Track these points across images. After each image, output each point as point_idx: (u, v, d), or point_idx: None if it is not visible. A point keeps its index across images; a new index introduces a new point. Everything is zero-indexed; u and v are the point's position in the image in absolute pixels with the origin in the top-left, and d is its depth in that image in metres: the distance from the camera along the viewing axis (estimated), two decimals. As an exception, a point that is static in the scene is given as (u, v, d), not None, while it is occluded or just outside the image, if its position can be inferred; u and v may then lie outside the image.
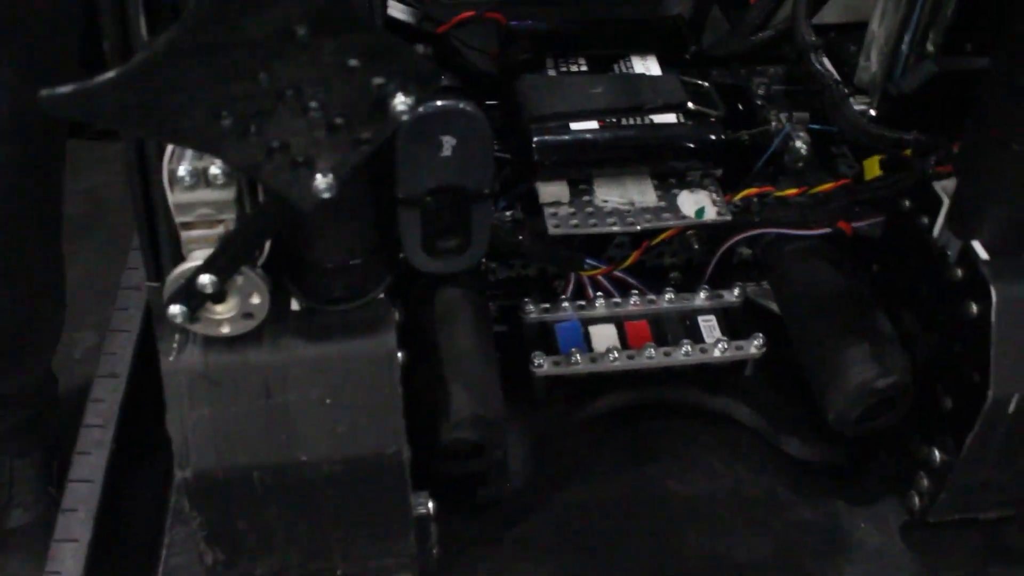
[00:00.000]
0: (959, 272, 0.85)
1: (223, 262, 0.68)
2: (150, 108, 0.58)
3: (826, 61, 1.00)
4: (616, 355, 0.96)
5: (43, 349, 1.83)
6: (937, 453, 0.88)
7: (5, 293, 1.67)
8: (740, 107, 1.07)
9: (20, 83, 1.29)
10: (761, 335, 0.98)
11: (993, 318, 0.81)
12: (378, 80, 0.59)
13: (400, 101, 0.59)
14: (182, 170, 0.67)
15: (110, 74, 0.56)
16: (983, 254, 0.83)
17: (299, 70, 0.58)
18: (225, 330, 0.72)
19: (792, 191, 0.99)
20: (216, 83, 0.57)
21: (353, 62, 0.58)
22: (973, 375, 0.83)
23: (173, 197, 0.67)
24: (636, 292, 1.00)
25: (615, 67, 1.01)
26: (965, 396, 0.85)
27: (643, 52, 1.02)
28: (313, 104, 0.59)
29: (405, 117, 0.59)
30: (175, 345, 0.74)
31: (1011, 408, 0.83)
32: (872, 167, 0.96)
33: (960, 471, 0.88)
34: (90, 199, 2.51)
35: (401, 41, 0.58)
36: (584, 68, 1.00)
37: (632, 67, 1.00)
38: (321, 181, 0.61)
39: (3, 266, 1.60)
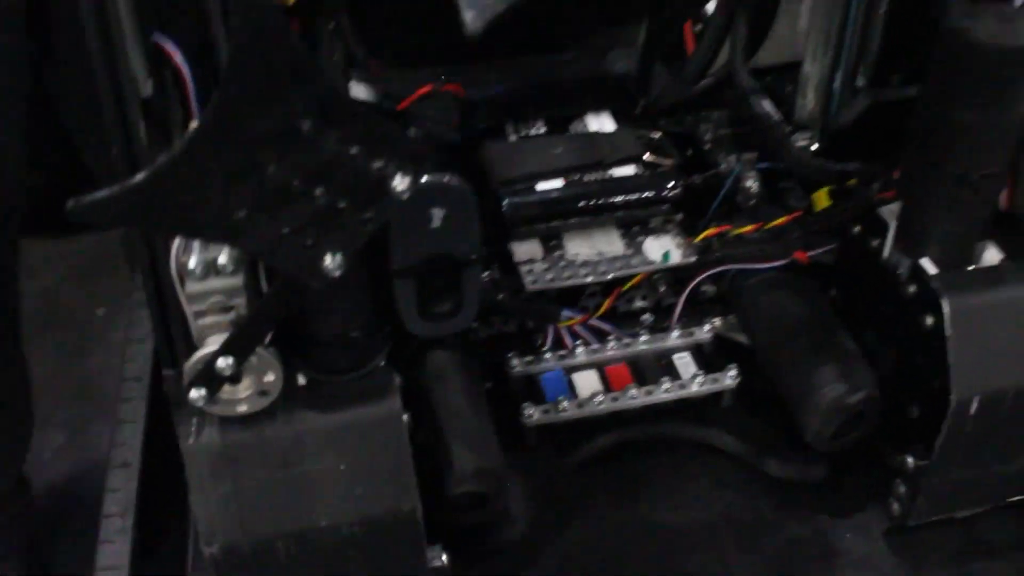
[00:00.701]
0: (911, 288, 0.92)
1: (239, 345, 0.73)
2: (170, 207, 0.63)
3: (766, 102, 1.08)
4: (601, 398, 1.02)
5: (14, 455, 1.84)
6: (910, 460, 0.95)
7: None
8: (690, 152, 1.15)
9: None
10: (735, 366, 1.04)
11: (948, 328, 0.88)
12: (377, 164, 0.64)
13: (399, 180, 0.65)
14: (192, 262, 0.72)
15: (135, 180, 0.61)
16: (932, 269, 0.91)
17: (304, 161, 0.63)
18: (242, 409, 0.77)
19: (748, 228, 1.06)
20: (229, 179, 0.63)
21: (354, 149, 0.64)
22: (935, 383, 0.90)
23: (186, 288, 0.72)
24: (612, 337, 1.07)
25: (572, 127, 1.08)
26: (930, 403, 0.92)
27: (597, 110, 1.09)
28: (319, 191, 0.64)
29: (405, 195, 0.65)
30: (193, 427, 0.78)
31: (973, 410, 0.90)
32: (821, 199, 1.03)
33: (933, 474, 0.94)
34: (43, 298, 2.53)
35: (395, 126, 0.64)
36: (543, 130, 1.07)
37: (588, 126, 1.07)
38: (330, 261, 0.67)
39: None
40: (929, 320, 0.90)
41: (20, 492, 1.91)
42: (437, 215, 0.76)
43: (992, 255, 0.92)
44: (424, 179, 0.75)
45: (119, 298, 2.50)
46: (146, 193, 0.61)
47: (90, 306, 2.59)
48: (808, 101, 1.10)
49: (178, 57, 0.76)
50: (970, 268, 0.92)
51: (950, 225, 0.90)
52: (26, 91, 1.37)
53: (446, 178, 0.76)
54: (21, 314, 1.68)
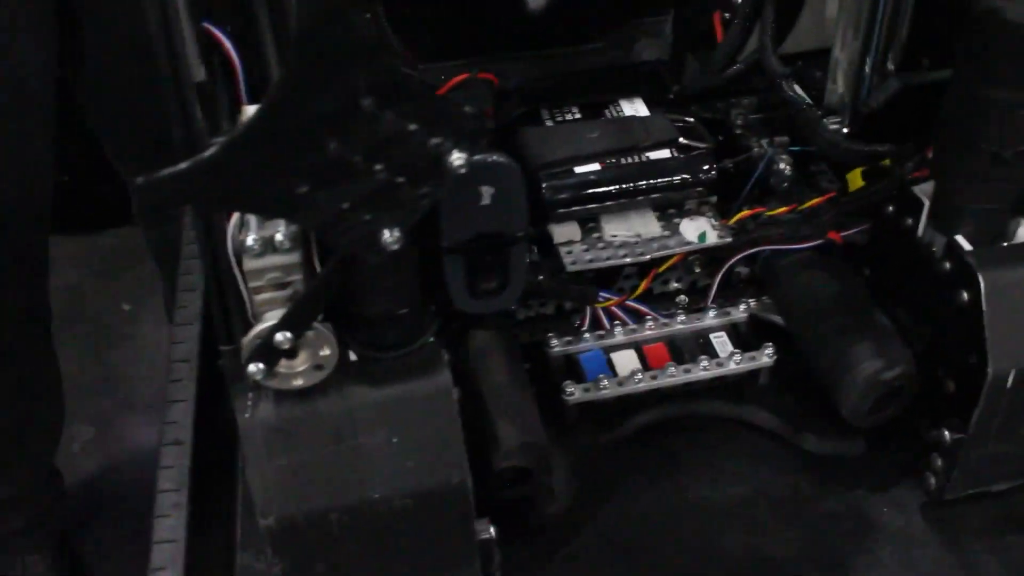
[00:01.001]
0: (947, 265, 0.94)
1: (297, 320, 0.75)
2: (235, 183, 0.66)
3: (797, 87, 1.10)
4: (641, 376, 1.04)
5: (44, 448, 1.89)
6: (947, 434, 0.97)
7: (1, 399, 1.73)
8: (721, 138, 1.17)
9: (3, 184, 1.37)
10: (772, 345, 1.06)
11: (984, 303, 0.90)
12: (435, 140, 0.67)
13: (456, 157, 0.67)
14: (250, 240, 0.74)
15: (202, 157, 0.64)
16: (967, 246, 0.93)
17: (365, 137, 0.66)
18: (299, 383, 0.79)
19: (782, 209, 1.08)
20: (291, 156, 0.65)
21: (412, 126, 0.66)
22: (971, 357, 0.92)
23: (245, 265, 0.75)
24: (650, 318, 1.09)
25: (606, 112, 1.10)
26: (966, 378, 0.94)
27: (630, 96, 1.11)
28: (378, 167, 0.67)
29: (463, 171, 0.67)
30: (249, 402, 0.81)
31: (1009, 383, 0.92)
32: (855, 179, 1.05)
33: (969, 447, 0.96)
34: (69, 295, 2.57)
35: (452, 102, 0.67)
36: (578, 116, 1.10)
37: (622, 111, 1.10)
38: (388, 235, 0.69)
39: None
40: (965, 296, 0.92)
41: (52, 484, 1.97)
42: (487, 193, 0.78)
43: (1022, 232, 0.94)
44: (478, 158, 0.78)
45: (143, 294, 2.56)
46: (214, 169, 0.64)
47: (115, 302, 2.65)
48: (839, 86, 1.12)
49: (227, 44, 0.79)
50: (1005, 244, 0.94)
51: (984, 202, 0.92)
52: (54, 97, 1.42)
53: (495, 156, 0.78)
54: (50, 310, 1.73)
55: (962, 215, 0.93)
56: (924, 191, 0.97)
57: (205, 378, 0.99)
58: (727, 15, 1.17)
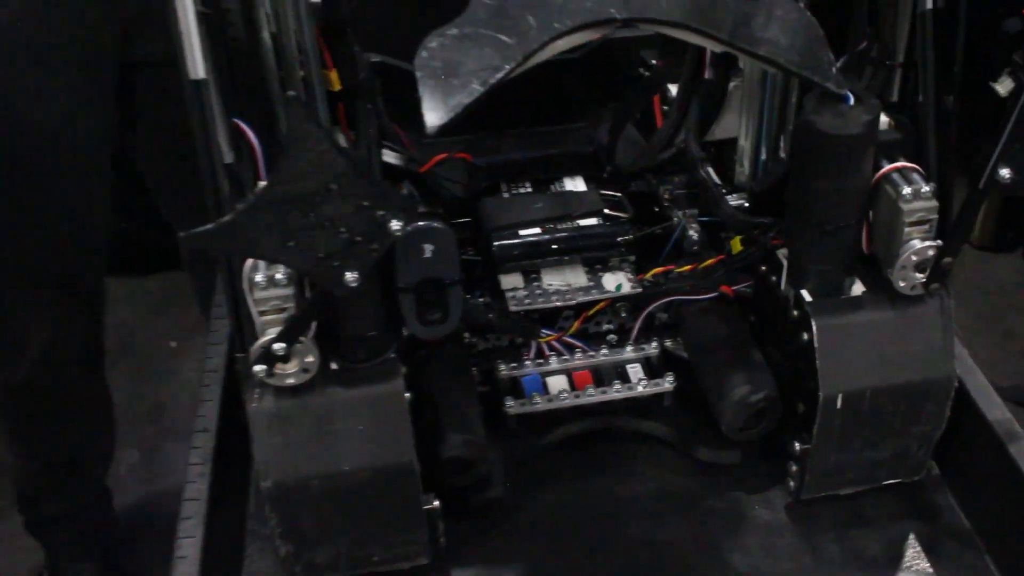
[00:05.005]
0: (795, 313, 1.30)
1: (290, 334, 1.13)
2: (246, 238, 1.04)
3: (710, 170, 1.47)
4: (566, 395, 1.41)
5: (96, 470, 2.26)
6: (797, 445, 1.32)
7: (59, 424, 2.12)
8: (655, 208, 1.54)
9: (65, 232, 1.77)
10: (672, 374, 1.43)
11: (816, 341, 1.26)
12: (380, 212, 1.05)
13: (395, 224, 1.05)
14: (259, 277, 1.13)
15: (223, 220, 1.02)
16: (808, 298, 1.28)
17: (333, 209, 1.04)
18: (291, 381, 1.17)
19: (686, 268, 1.45)
20: (284, 221, 1.04)
21: (365, 202, 1.04)
22: (811, 384, 1.28)
23: (254, 295, 1.13)
24: (580, 351, 1.46)
25: (552, 187, 1.48)
26: (809, 400, 1.29)
27: (572, 175, 1.50)
28: (342, 229, 1.05)
29: (399, 234, 1.05)
30: (256, 395, 1.19)
31: (839, 404, 1.27)
32: (736, 245, 1.42)
33: (814, 456, 1.31)
34: (120, 331, 2.96)
35: (393, 187, 1.05)
36: (529, 189, 1.48)
37: (564, 186, 1.48)
38: (349, 276, 1.07)
39: (56, 401, 2.06)
40: (805, 336, 1.28)
41: (102, 502, 2.34)
42: (427, 248, 1.16)
43: (857, 288, 1.30)
44: (419, 223, 1.16)
45: (187, 332, 2.96)
46: (232, 229, 1.02)
47: (162, 339, 3.06)
48: (744, 168, 1.49)
49: (251, 135, 1.18)
50: (840, 298, 1.29)
51: (819, 264, 1.27)
52: (113, 151, 1.82)
53: (434, 223, 1.16)
54: (104, 347, 2.11)
55: (806, 274, 1.29)
56: (784, 255, 1.33)
57: (228, 384, 1.37)
58: (665, 108, 1.56)
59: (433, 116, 1.00)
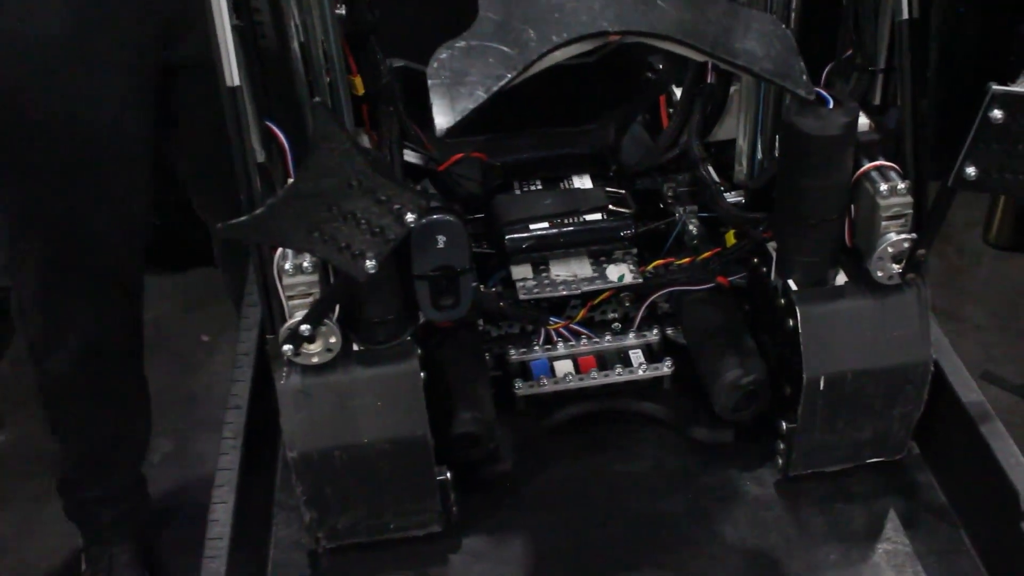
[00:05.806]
0: (782, 301, 1.42)
1: (315, 317, 1.26)
2: (276, 229, 1.17)
3: (710, 168, 1.59)
4: (571, 378, 1.54)
5: (133, 457, 2.39)
6: (784, 425, 1.44)
7: (99, 413, 2.25)
8: (660, 205, 1.67)
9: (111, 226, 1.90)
10: (670, 359, 1.55)
11: (800, 327, 1.38)
12: (396, 206, 1.18)
13: (409, 216, 1.18)
14: (287, 265, 1.26)
15: (255, 213, 1.15)
16: (794, 287, 1.40)
17: (354, 203, 1.17)
18: (315, 360, 1.30)
19: (685, 260, 1.57)
20: (310, 214, 1.17)
21: (383, 197, 1.17)
22: (796, 367, 1.39)
23: (283, 281, 1.27)
24: (586, 337, 1.58)
25: (560, 184, 1.61)
26: (795, 382, 1.41)
27: (580, 173, 1.62)
28: (363, 221, 1.18)
29: (413, 225, 1.18)
30: (284, 373, 1.32)
31: (821, 386, 1.39)
32: (729, 239, 1.54)
33: (800, 435, 1.43)
34: (156, 325, 3.10)
35: (409, 184, 1.18)
36: (539, 187, 1.61)
37: (572, 184, 1.60)
38: (368, 264, 1.20)
39: (97, 390, 2.19)
40: (791, 322, 1.39)
41: (137, 487, 2.48)
42: (440, 239, 1.29)
43: (840, 278, 1.41)
44: (433, 216, 1.29)
45: (220, 327, 3.09)
46: (263, 221, 1.16)
47: (196, 333, 3.20)
48: (742, 167, 1.61)
49: (281, 136, 1.31)
50: (823, 287, 1.41)
51: (804, 256, 1.39)
52: (152, 152, 1.95)
53: (447, 216, 1.29)
54: (143, 340, 2.24)
55: (792, 265, 1.40)
56: (774, 247, 1.45)
57: (259, 367, 1.51)
58: (671, 110, 1.68)
59: (442, 119, 1.13)
